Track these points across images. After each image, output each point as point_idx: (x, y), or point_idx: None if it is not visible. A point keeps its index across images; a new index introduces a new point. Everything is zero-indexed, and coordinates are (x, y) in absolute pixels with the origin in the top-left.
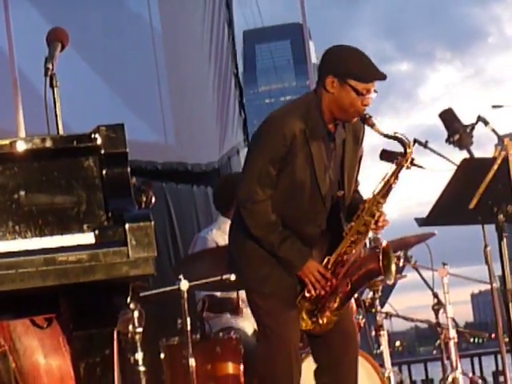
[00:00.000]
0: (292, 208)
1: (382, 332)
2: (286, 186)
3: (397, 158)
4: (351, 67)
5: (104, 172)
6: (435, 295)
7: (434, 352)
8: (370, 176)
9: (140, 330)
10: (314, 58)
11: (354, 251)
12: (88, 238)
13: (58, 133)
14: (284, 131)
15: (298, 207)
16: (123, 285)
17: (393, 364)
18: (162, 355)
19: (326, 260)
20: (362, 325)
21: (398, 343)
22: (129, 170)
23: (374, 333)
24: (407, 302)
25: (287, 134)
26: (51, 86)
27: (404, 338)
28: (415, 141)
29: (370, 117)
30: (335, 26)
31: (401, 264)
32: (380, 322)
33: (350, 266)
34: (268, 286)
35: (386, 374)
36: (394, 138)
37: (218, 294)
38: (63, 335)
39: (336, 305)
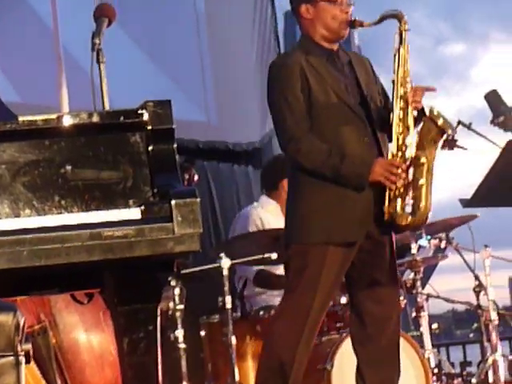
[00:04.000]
0: (333, 132)
1: (422, 313)
2: (318, 111)
3: None
4: None
5: (150, 148)
6: (477, 277)
7: (471, 335)
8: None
9: (181, 307)
10: (357, 39)
11: (406, 130)
12: (134, 213)
13: (104, 108)
14: (289, 66)
15: (337, 129)
16: (168, 261)
17: (432, 346)
18: (203, 333)
19: (390, 155)
20: (402, 306)
21: (435, 325)
22: (175, 146)
23: (414, 314)
24: (448, 283)
25: (294, 67)
26: (98, 61)
27: (441, 320)
28: (459, 122)
29: (355, 19)
30: (389, 4)
31: (442, 245)
32: (421, 303)
33: (416, 144)
34: (329, 234)
35: (426, 355)
36: (385, 16)
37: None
38: (104, 311)
39: (423, 183)
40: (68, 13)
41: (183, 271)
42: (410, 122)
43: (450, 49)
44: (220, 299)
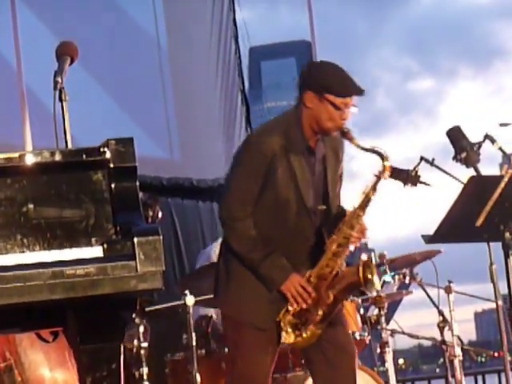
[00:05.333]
0: (279, 224)
1: (387, 349)
2: (271, 202)
3: (404, 175)
4: (329, 82)
5: (113, 186)
6: (441, 313)
7: (438, 370)
8: (379, 192)
9: (145, 344)
10: None
11: (335, 264)
12: (96, 251)
13: (67, 146)
14: (263, 149)
15: (284, 223)
16: (131, 299)
17: (397, 381)
18: (167, 370)
19: (308, 274)
20: (367, 342)
21: (401, 361)
22: (138, 184)
23: (378, 350)
24: (413, 319)
25: (267, 152)
26: (60, 99)
27: (407, 355)
28: (422, 158)
29: (349, 130)
30: (360, 42)
31: (407, 281)
32: (385, 339)
33: (332, 280)
34: (245, 314)
35: None
36: (372, 150)
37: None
38: (69, 349)
39: (319, 318)
40: (31, 51)
41: (147, 309)
42: (340, 261)
43: (418, 84)
44: (185, 336)
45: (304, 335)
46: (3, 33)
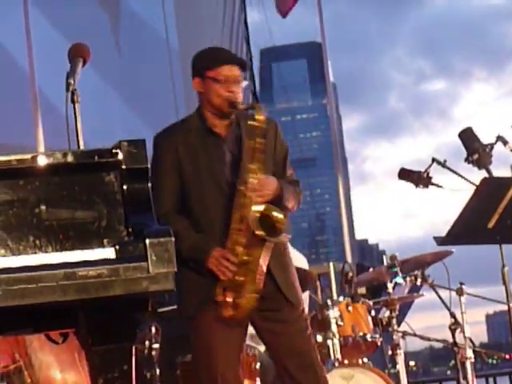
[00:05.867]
0: (200, 201)
1: (398, 351)
2: (187, 191)
3: (416, 176)
4: (203, 60)
5: (125, 187)
6: (452, 315)
7: (449, 372)
8: (390, 194)
9: (156, 346)
10: (332, 76)
11: (244, 226)
12: (108, 252)
13: (79, 148)
14: (164, 147)
15: (203, 198)
16: (142, 300)
17: (408, 383)
18: (179, 372)
19: (227, 243)
20: (378, 344)
21: (412, 363)
22: (149, 185)
23: (390, 352)
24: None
25: (169, 147)
26: (72, 101)
27: (418, 357)
28: (434, 160)
29: (236, 101)
30: (373, 43)
31: (418, 283)
32: (397, 341)
33: (246, 241)
34: (189, 308)
35: None
36: (251, 106)
37: None
38: (79, 350)
39: (249, 280)
40: (43, 54)
41: (159, 310)
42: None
43: (431, 86)
44: None
45: (241, 303)
46: (16, 36)
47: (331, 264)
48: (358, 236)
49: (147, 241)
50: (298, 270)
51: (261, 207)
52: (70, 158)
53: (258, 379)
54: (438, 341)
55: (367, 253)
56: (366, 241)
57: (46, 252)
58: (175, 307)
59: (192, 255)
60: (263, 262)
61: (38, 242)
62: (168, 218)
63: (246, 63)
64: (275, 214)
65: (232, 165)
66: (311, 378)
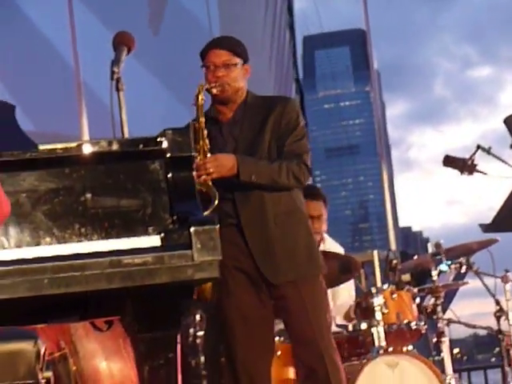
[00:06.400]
0: None
1: (443, 339)
2: None
3: (461, 163)
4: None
5: (169, 175)
6: (497, 302)
7: (493, 359)
8: (435, 181)
9: (201, 333)
10: (376, 64)
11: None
12: (153, 240)
13: (124, 136)
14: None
15: None
16: (187, 288)
17: (453, 371)
18: (223, 359)
19: None
20: (423, 331)
21: (456, 350)
22: (194, 173)
23: (434, 339)
24: (469, 308)
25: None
26: (117, 89)
27: (462, 345)
28: (478, 147)
29: (213, 85)
30: (419, 30)
31: (463, 270)
32: (441, 328)
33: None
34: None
35: (447, 381)
36: (214, 87)
37: None
38: (124, 338)
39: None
40: (86, 46)
41: None
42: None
43: (477, 72)
44: None
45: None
46: (61, 29)
47: (375, 252)
48: (402, 223)
49: (192, 229)
50: (343, 256)
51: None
52: (115, 147)
53: None
54: (482, 328)
55: (411, 240)
56: (410, 228)
57: (92, 240)
58: None
59: None
60: None
61: (83, 230)
62: None
63: (235, 46)
64: (202, 187)
65: (233, 148)
66: (311, 355)
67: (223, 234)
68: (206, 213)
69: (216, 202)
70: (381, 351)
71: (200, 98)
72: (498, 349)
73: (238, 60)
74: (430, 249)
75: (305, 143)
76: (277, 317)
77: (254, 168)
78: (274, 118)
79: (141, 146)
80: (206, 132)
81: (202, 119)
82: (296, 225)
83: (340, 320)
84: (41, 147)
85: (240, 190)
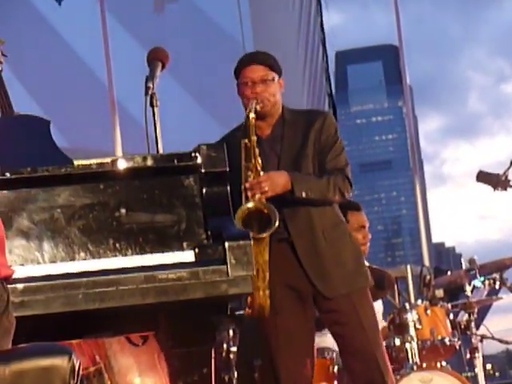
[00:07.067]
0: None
1: (476, 354)
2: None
3: (494, 179)
4: (234, 70)
5: (204, 190)
6: None
7: None
8: (468, 196)
9: (234, 349)
10: (409, 79)
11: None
12: (188, 256)
13: (158, 151)
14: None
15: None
16: (221, 303)
17: None
18: (256, 375)
19: None
20: (457, 347)
21: (489, 366)
22: (228, 188)
23: (468, 355)
24: (502, 323)
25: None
26: (151, 105)
27: (495, 360)
28: None
29: (252, 105)
30: (453, 44)
31: (497, 286)
32: (475, 344)
33: None
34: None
35: None
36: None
37: None
38: (159, 353)
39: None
40: (120, 63)
41: (236, 313)
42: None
43: (511, 87)
44: None
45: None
46: (94, 46)
47: (408, 267)
48: (435, 239)
49: (226, 244)
50: (378, 271)
51: (250, 203)
52: (149, 162)
53: (335, 382)
54: None
55: (444, 256)
56: (443, 244)
57: (126, 255)
58: None
59: None
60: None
61: (117, 245)
62: None
63: (271, 61)
64: (264, 207)
65: (276, 164)
66: (368, 367)
67: (273, 249)
68: (265, 234)
69: (277, 223)
70: (414, 367)
71: (251, 116)
72: None
73: (274, 74)
74: (464, 265)
75: (344, 157)
76: (323, 329)
77: (306, 184)
78: (314, 133)
79: (175, 161)
80: (257, 150)
81: (254, 138)
82: (342, 237)
83: None
84: (76, 163)
85: (288, 205)
